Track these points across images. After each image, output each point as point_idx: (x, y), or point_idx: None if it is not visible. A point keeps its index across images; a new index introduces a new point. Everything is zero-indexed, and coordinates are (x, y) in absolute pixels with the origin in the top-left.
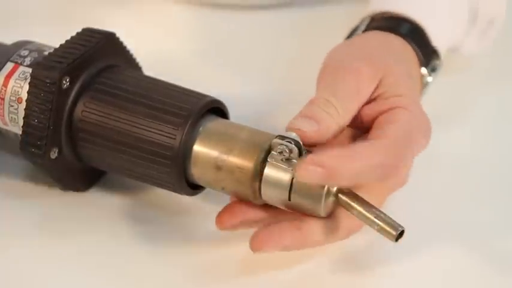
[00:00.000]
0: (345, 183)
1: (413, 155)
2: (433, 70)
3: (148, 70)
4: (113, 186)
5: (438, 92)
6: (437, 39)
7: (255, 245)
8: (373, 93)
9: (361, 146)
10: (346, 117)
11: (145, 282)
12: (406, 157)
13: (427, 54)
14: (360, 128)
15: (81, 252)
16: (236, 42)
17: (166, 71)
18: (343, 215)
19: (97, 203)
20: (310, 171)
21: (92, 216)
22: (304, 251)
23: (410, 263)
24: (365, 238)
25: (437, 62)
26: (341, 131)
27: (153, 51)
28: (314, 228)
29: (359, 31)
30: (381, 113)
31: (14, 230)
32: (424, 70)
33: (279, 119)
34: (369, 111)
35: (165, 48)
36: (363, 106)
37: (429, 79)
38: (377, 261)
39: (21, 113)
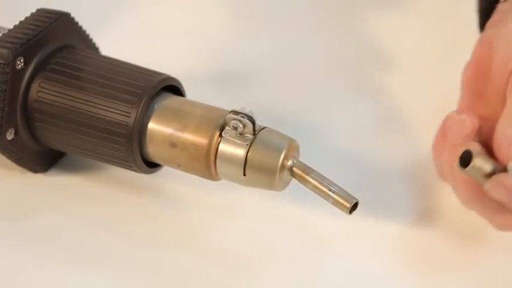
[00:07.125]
0: None
1: None
2: None
3: None
4: (72, 167)
5: None
6: None
7: None
8: None
9: None
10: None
11: (105, 261)
12: None
13: None
14: None
15: (40, 234)
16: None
17: None
18: None
19: (56, 183)
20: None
21: (51, 197)
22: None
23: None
24: None
25: None
26: None
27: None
28: None
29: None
30: None
31: None
32: None
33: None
34: None
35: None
36: None
37: None
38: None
39: None
